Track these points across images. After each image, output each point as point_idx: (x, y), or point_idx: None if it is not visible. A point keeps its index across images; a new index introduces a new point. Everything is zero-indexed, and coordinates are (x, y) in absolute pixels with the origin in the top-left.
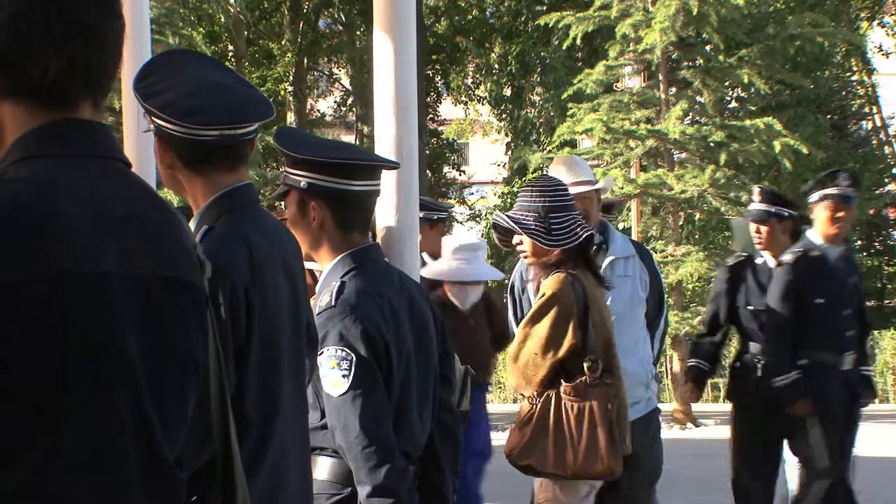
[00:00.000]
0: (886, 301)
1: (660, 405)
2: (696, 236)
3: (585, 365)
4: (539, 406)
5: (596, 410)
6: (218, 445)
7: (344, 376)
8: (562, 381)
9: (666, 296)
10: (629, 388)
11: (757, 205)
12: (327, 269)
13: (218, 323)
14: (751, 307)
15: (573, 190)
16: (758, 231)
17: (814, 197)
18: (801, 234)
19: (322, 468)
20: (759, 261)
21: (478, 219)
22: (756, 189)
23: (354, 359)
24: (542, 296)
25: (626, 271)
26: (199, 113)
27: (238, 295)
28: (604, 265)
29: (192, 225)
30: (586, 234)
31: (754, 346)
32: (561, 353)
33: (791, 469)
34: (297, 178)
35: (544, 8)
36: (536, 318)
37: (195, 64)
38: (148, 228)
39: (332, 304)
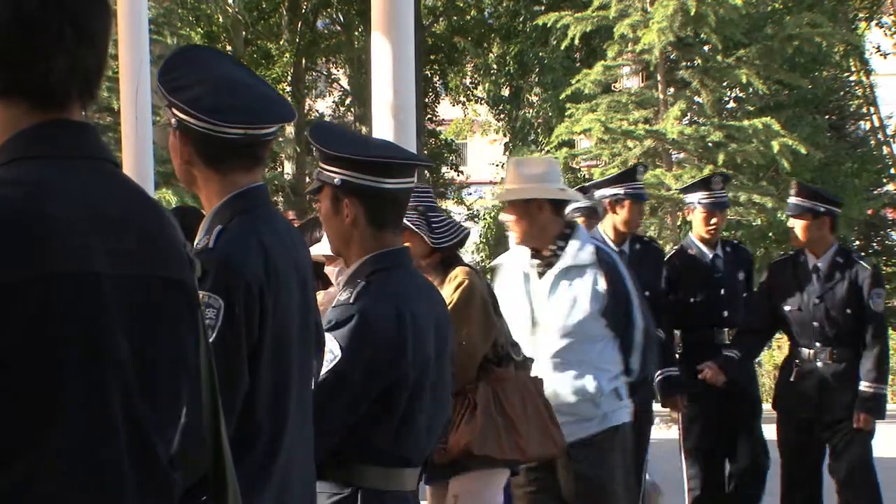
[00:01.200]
0: (886, 301)
1: None
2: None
3: (511, 349)
4: (479, 396)
5: (534, 391)
6: (208, 445)
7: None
8: (493, 368)
9: (636, 307)
10: (574, 404)
11: (792, 199)
12: (353, 266)
13: (231, 323)
14: (787, 307)
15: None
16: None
17: None
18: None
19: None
20: (801, 259)
21: (476, 219)
22: (793, 183)
23: (339, 358)
24: (458, 287)
25: (577, 283)
26: (227, 110)
27: (252, 295)
28: (556, 271)
29: (203, 225)
30: (465, 233)
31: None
32: (491, 340)
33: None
34: (332, 175)
35: (542, 8)
36: (460, 308)
37: (218, 61)
38: (141, 228)
39: (351, 301)
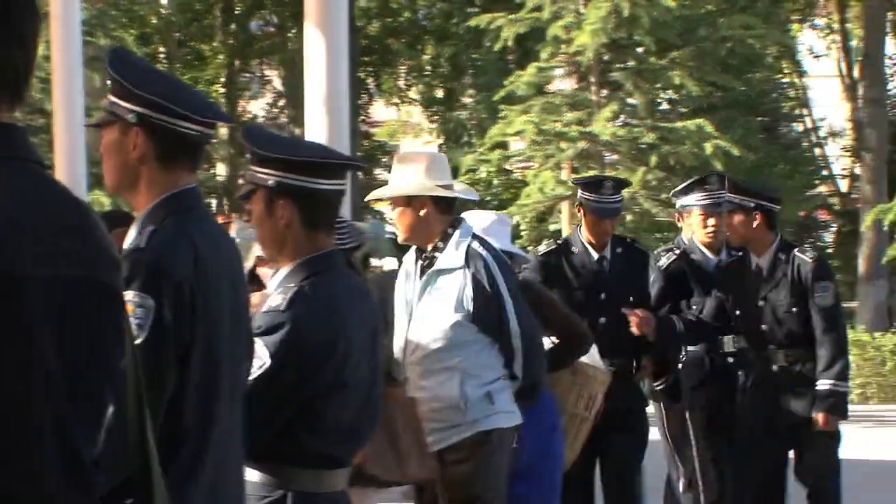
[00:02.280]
0: None
1: None
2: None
3: (393, 368)
4: None
5: (412, 412)
6: (135, 447)
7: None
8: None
9: (511, 311)
10: (438, 411)
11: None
12: (286, 270)
13: (161, 323)
14: (738, 312)
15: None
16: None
17: None
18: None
19: (254, 471)
20: (746, 261)
21: None
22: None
23: (268, 365)
24: None
25: (445, 286)
26: (195, 106)
27: (183, 296)
28: (428, 273)
29: (135, 225)
30: (363, 240)
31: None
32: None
33: None
34: (266, 177)
35: (476, 10)
36: None
37: (150, 64)
38: (73, 230)
39: (283, 308)
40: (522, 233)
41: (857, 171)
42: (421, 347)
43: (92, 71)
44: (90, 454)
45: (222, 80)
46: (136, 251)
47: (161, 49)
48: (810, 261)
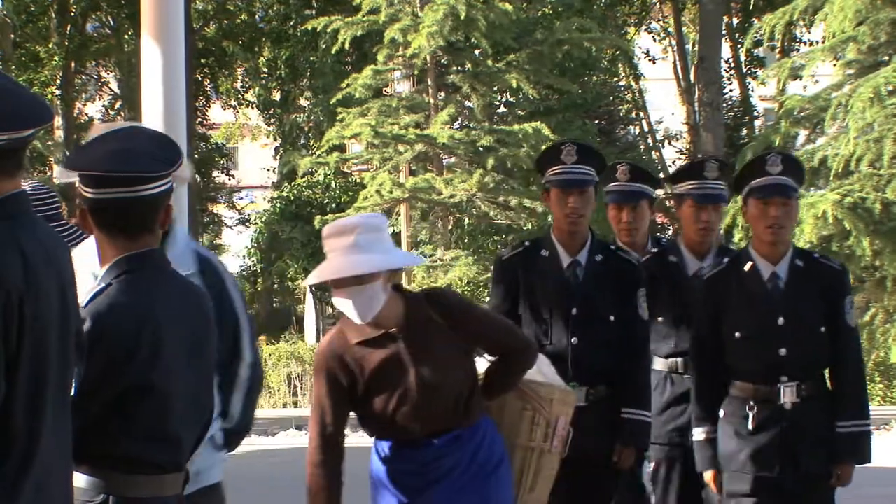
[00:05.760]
0: None
1: None
2: (466, 241)
3: None
4: None
5: None
6: None
7: None
8: None
9: (247, 336)
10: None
11: (772, 175)
12: (103, 271)
13: None
14: (738, 334)
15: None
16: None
17: None
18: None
19: (78, 476)
20: (747, 267)
21: (247, 223)
22: (772, 155)
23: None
24: None
25: None
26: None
27: (12, 304)
28: None
29: None
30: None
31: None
32: None
33: None
34: (79, 188)
35: (313, 12)
36: None
37: None
38: None
39: (84, 306)
40: None
41: None
42: None
43: None
44: None
45: (58, 81)
46: None
47: None
48: (840, 269)
